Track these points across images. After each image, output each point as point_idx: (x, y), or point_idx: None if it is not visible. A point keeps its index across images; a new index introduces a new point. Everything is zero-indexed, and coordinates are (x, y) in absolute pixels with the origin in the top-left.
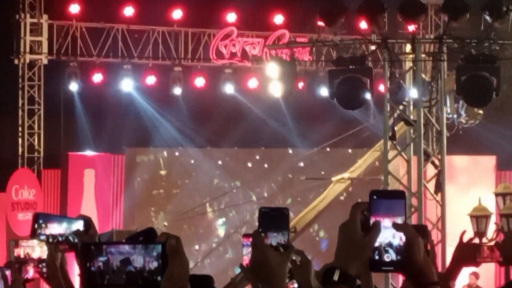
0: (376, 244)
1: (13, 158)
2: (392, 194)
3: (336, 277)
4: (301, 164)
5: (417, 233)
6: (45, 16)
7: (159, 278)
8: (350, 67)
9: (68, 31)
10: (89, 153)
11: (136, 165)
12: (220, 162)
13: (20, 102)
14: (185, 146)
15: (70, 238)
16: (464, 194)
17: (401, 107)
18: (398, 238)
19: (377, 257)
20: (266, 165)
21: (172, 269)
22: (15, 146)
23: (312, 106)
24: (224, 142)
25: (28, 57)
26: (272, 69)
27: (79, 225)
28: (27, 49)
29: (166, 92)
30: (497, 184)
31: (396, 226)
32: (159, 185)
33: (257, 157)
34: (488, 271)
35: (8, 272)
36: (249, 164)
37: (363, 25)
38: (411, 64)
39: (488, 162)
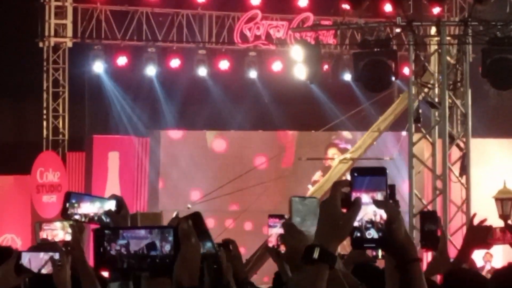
0: (357, 222)
1: (38, 141)
2: (373, 171)
3: (316, 255)
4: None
5: (398, 210)
6: None
7: (172, 261)
8: (375, 49)
9: (93, 14)
10: (113, 135)
11: (161, 148)
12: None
13: (45, 85)
14: (212, 128)
15: (103, 217)
16: (490, 177)
17: (426, 89)
18: (379, 215)
19: (358, 234)
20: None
21: (185, 252)
22: (40, 129)
23: (337, 88)
24: (253, 125)
25: (53, 40)
26: (297, 52)
27: (111, 205)
28: (52, 32)
29: (191, 74)
30: None
31: (376, 203)
32: (185, 168)
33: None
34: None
35: (41, 255)
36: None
37: (388, 7)
38: (436, 47)
39: None
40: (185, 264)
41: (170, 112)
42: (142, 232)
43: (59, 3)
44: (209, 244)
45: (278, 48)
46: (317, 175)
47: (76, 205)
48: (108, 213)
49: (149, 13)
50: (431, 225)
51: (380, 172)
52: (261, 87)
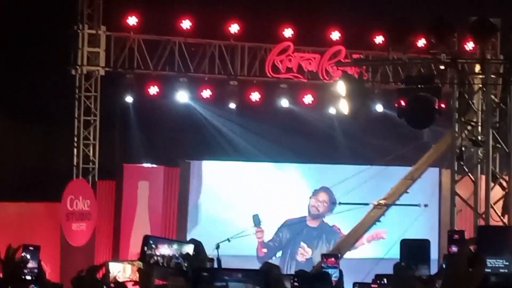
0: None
1: (69, 168)
2: (501, 233)
3: None
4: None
5: None
6: (103, 28)
7: None
8: (419, 86)
9: (125, 43)
10: (144, 165)
11: (191, 179)
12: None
13: (77, 112)
14: (241, 159)
15: (181, 262)
16: None
17: (469, 127)
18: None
19: None
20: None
21: None
22: (70, 157)
23: (368, 122)
24: (281, 157)
25: (85, 69)
26: (341, 87)
27: (189, 249)
28: (85, 61)
29: (221, 105)
30: None
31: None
32: (216, 199)
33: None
34: None
35: None
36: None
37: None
38: (480, 85)
39: None
40: None
41: (200, 143)
42: (239, 275)
43: (93, 31)
44: None
45: (310, 81)
46: None
47: (154, 246)
48: (186, 257)
49: (181, 43)
50: None
51: (508, 233)
52: (293, 118)
